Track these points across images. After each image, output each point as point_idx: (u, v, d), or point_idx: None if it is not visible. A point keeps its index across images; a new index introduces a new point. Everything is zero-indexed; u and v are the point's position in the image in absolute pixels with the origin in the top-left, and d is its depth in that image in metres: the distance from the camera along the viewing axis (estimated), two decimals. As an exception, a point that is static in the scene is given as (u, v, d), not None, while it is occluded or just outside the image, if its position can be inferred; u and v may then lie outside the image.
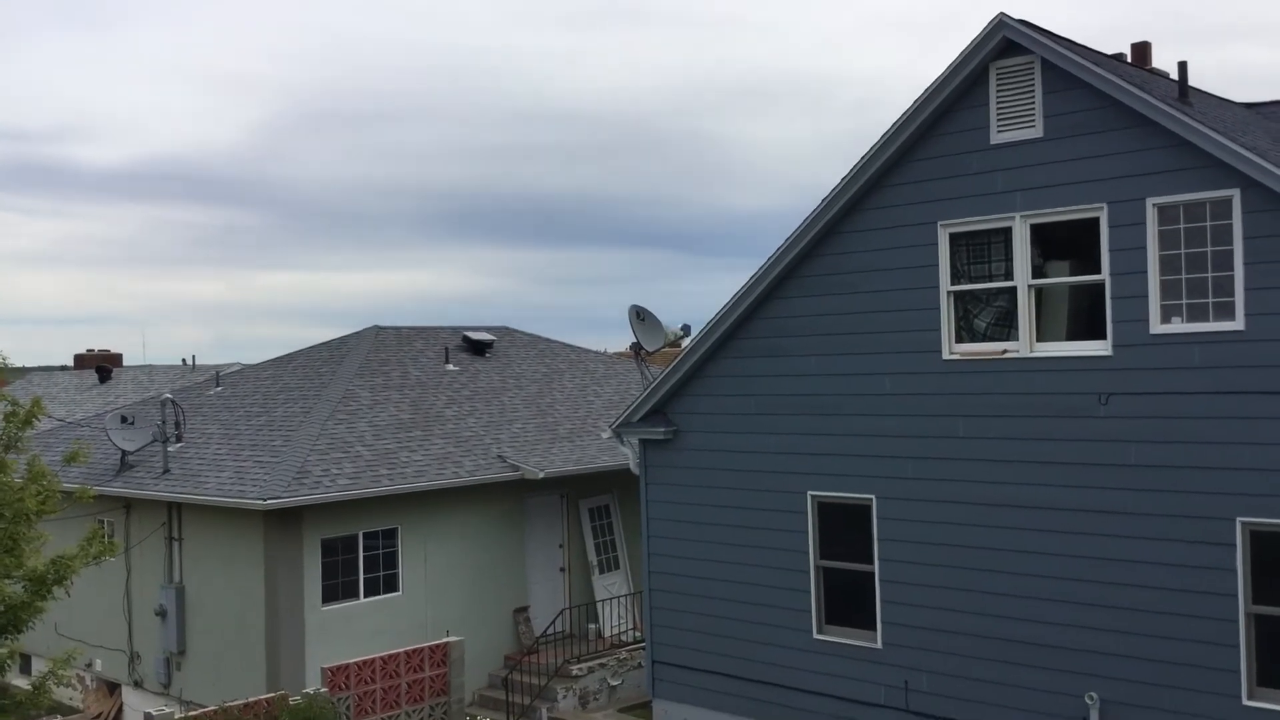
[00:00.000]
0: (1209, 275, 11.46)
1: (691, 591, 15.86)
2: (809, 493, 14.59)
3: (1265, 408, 11.12)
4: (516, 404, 22.46)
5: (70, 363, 47.77)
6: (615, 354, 31.56)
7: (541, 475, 19.32)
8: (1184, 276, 11.61)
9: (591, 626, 19.93)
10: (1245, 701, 11.29)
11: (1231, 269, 11.30)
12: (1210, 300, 11.47)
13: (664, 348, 22.58)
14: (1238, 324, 11.27)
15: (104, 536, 14.31)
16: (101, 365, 40.73)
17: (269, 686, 16.82)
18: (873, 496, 13.97)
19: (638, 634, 19.46)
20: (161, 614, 18.99)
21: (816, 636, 14.56)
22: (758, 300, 14.91)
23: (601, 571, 21.09)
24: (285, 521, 17.33)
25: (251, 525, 17.58)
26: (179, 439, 20.26)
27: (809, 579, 14.62)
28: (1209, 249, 11.45)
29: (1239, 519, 11.30)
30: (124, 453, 20.13)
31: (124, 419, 20.75)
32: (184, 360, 39.42)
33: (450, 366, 23.12)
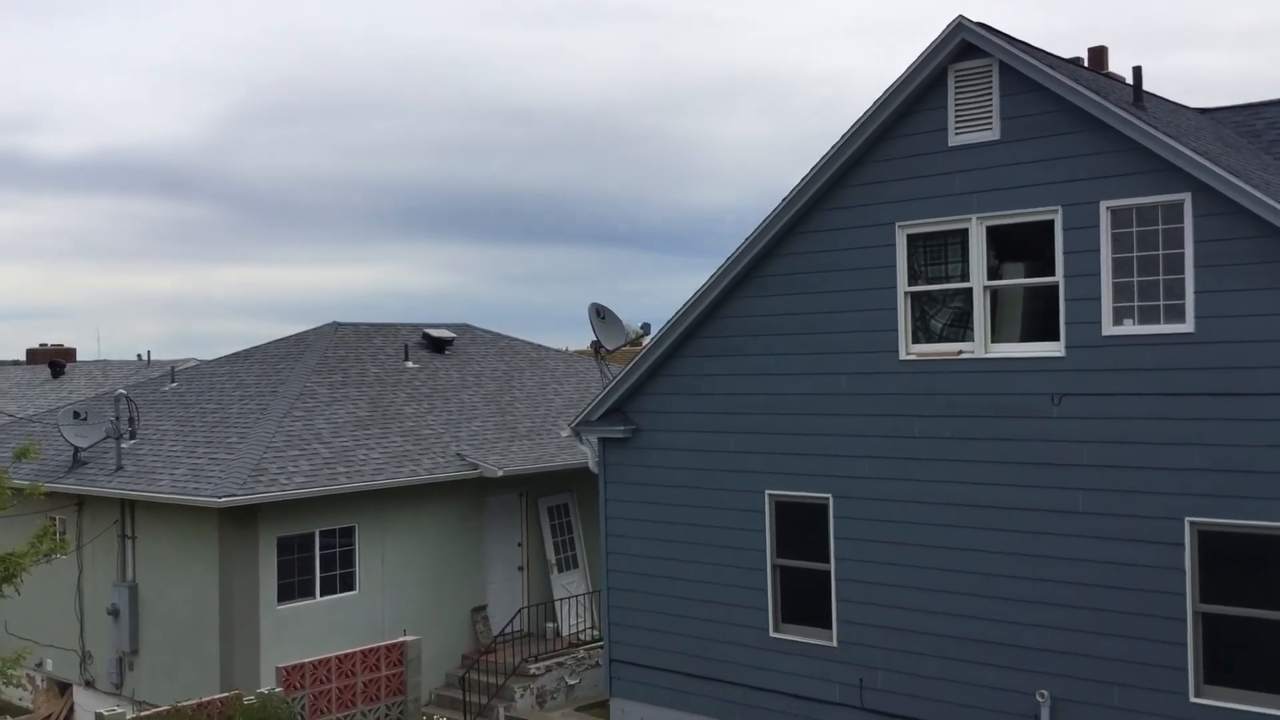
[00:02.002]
0: (1160, 278, 11.62)
1: (650, 590, 15.88)
2: (766, 492, 14.65)
3: (1214, 409, 11.29)
4: (476, 402, 22.39)
5: (22, 357, 47.09)
6: (575, 352, 31.54)
7: (500, 473, 19.27)
8: (1136, 279, 11.76)
9: (550, 625, 19.91)
10: (1192, 699, 11.45)
11: (1182, 272, 11.47)
12: (1161, 303, 11.63)
13: (624, 346, 22.58)
14: (1188, 326, 11.43)
15: (55, 534, 14.11)
16: (54, 360, 40.19)
17: (223, 686, 16.67)
18: (830, 496, 14.05)
19: (596, 633, 19.45)
20: (114, 613, 18.76)
21: (773, 635, 14.62)
22: (717, 299, 14.95)
23: (560, 570, 21.07)
24: (240, 519, 17.17)
25: (206, 523, 17.40)
26: (133, 435, 20.02)
27: (766, 578, 14.68)
28: (1160, 252, 11.61)
29: (1187, 519, 11.47)
30: (76, 449, 19.87)
31: (77, 415, 20.48)
32: (139, 355, 38.98)
33: (409, 364, 23.00)
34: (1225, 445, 11.23)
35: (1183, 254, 11.46)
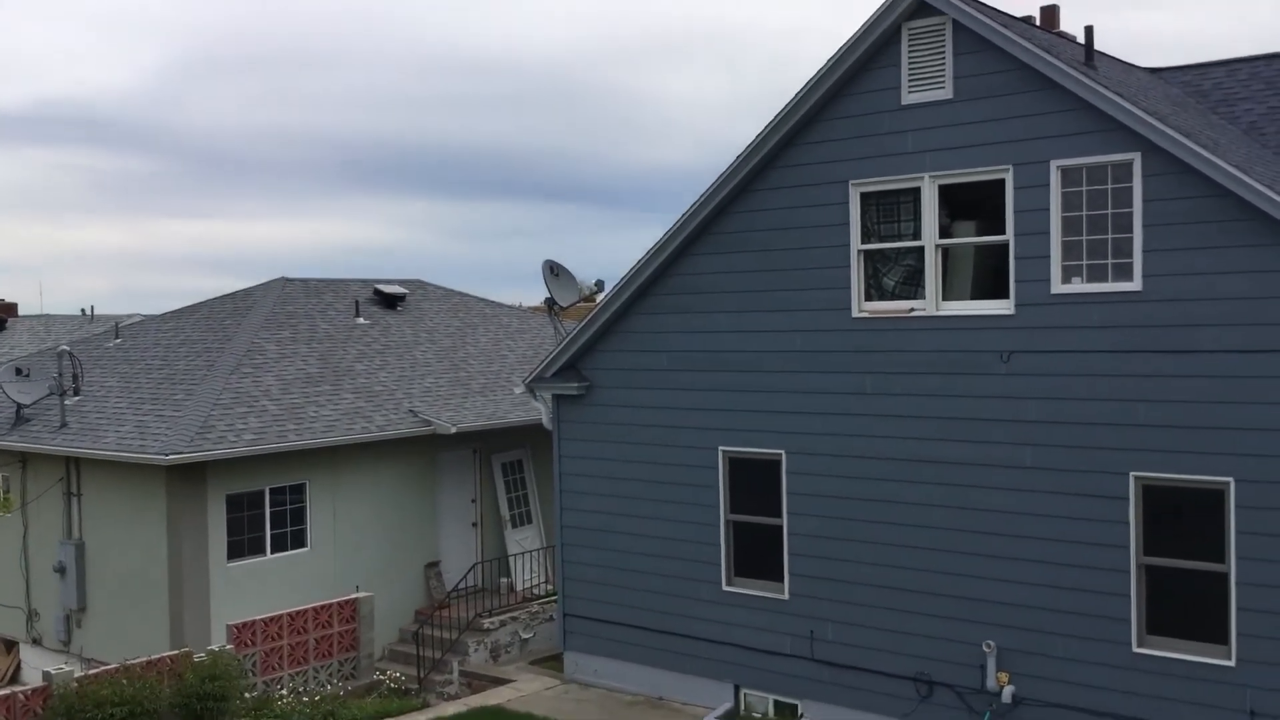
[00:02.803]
0: (1109, 237, 11.75)
1: (603, 545, 15.96)
2: (720, 448, 14.73)
3: (1159, 366, 11.49)
4: (429, 358, 22.25)
5: (-38, 312, 46.00)
6: (530, 308, 31.41)
7: (454, 430, 19.21)
8: (1085, 238, 11.89)
9: (504, 580, 19.96)
10: (1135, 649, 11.74)
11: (1130, 231, 11.61)
12: (1110, 261, 11.78)
13: (578, 303, 22.56)
14: (1135, 285, 11.59)
15: (-2, 492, 13.89)
16: (-5, 315, 39.31)
17: (173, 644, 16.57)
18: (782, 452, 14.15)
19: (550, 587, 19.55)
20: (60, 570, 18.55)
21: (725, 588, 14.77)
22: (672, 256, 14.92)
23: (514, 526, 21.10)
24: (188, 477, 16.99)
25: (153, 480, 17.21)
26: (77, 392, 19.70)
27: (719, 533, 14.79)
28: (1109, 211, 11.74)
29: (1132, 473, 11.70)
30: (19, 406, 19.52)
31: (19, 371, 20.09)
32: (83, 310, 38.28)
33: (361, 320, 22.79)
34: (1170, 401, 11.44)
35: (1131, 213, 11.59)
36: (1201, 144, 11.21)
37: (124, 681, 14.00)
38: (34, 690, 14.02)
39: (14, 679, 19.53)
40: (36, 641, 19.43)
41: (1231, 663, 11.21)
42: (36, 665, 18.43)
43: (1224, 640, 11.28)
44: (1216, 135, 13.09)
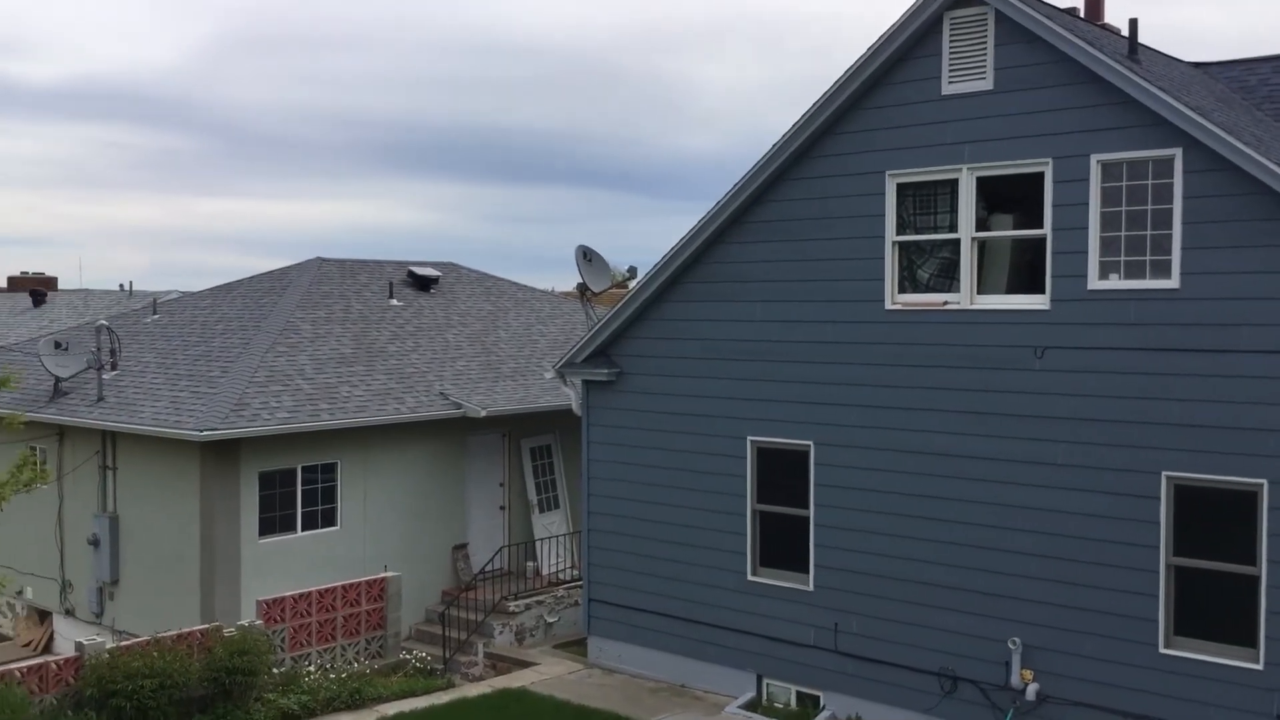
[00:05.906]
0: (1148, 233, 11.62)
1: (629, 532, 15.99)
2: (749, 438, 14.70)
3: (1194, 365, 11.35)
4: (461, 341, 22.34)
5: (4, 284, 46.74)
6: (562, 294, 31.45)
7: (484, 414, 19.28)
8: (1123, 234, 11.76)
9: (530, 564, 20.04)
10: (1162, 650, 11.64)
11: (1170, 228, 11.47)
12: (1148, 258, 11.64)
13: (610, 289, 22.53)
14: (1173, 282, 11.46)
15: (35, 463, 14.07)
16: (36, 289, 39.95)
17: (203, 618, 16.75)
18: (811, 443, 14.11)
19: (575, 573, 19.61)
20: (94, 543, 18.80)
21: (750, 578, 14.76)
22: (705, 244, 14.89)
23: (541, 511, 21.17)
24: (222, 453, 17.16)
25: (187, 456, 17.39)
26: (114, 366, 19.93)
27: (745, 522, 14.78)
28: (1149, 207, 11.60)
29: (1164, 473, 11.58)
30: (57, 379, 19.76)
31: (58, 344, 20.35)
32: (121, 286, 38.79)
33: (394, 301, 22.90)
34: (1205, 401, 11.31)
35: (1171, 209, 11.45)
36: (1245, 141, 11.04)
37: (155, 654, 14.18)
38: (66, 660, 14.22)
39: (47, 649, 19.84)
40: (70, 613, 19.72)
41: (1260, 666, 11.09)
42: (69, 636, 18.70)
43: (1252, 643, 11.17)
44: (1261, 132, 12.89)
